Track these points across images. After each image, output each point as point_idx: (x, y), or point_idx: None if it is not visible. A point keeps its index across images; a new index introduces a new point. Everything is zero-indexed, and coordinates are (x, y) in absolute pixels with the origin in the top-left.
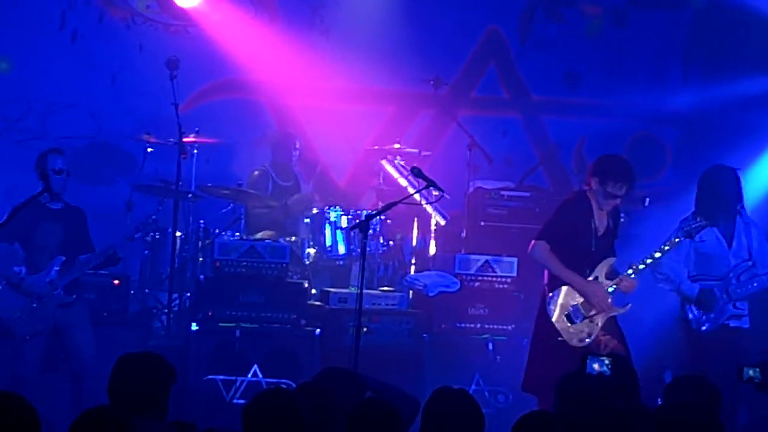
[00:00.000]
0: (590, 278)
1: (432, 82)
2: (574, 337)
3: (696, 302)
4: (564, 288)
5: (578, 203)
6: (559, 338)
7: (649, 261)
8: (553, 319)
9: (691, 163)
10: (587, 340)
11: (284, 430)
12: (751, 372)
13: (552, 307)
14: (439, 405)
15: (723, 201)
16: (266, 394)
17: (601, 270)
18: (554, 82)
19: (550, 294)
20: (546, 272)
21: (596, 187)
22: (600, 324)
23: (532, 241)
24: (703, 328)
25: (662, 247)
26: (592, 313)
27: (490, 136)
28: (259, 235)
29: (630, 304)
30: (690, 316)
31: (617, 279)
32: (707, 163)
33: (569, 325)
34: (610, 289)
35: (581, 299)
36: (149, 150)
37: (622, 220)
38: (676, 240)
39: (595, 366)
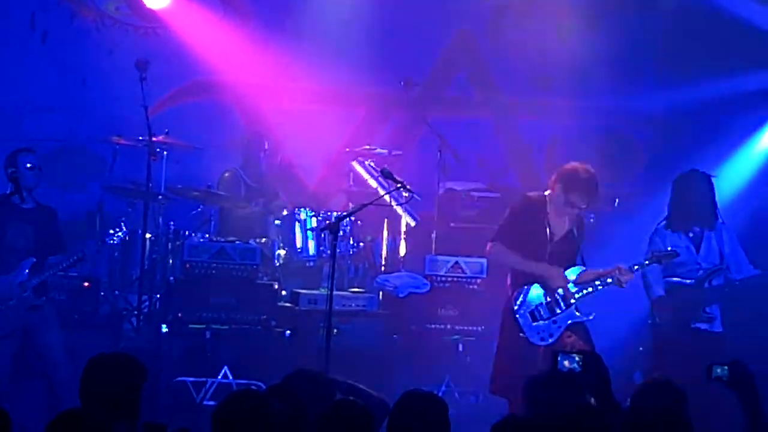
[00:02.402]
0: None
1: (403, 84)
2: (536, 335)
3: (666, 302)
4: (532, 286)
5: (530, 205)
6: (521, 334)
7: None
8: (517, 316)
9: (663, 164)
10: (549, 339)
11: None
12: (719, 370)
13: (516, 304)
14: (406, 409)
15: (696, 208)
16: (236, 395)
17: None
18: (525, 82)
19: (515, 293)
20: (510, 272)
21: (558, 193)
22: (563, 326)
23: (488, 244)
24: (672, 333)
25: (632, 266)
26: (558, 313)
27: (462, 137)
28: (231, 238)
29: (594, 314)
30: (658, 320)
31: (612, 269)
32: (679, 164)
33: (532, 322)
34: (588, 290)
35: (548, 299)
36: (117, 149)
37: (592, 220)
38: (646, 263)
39: (566, 363)
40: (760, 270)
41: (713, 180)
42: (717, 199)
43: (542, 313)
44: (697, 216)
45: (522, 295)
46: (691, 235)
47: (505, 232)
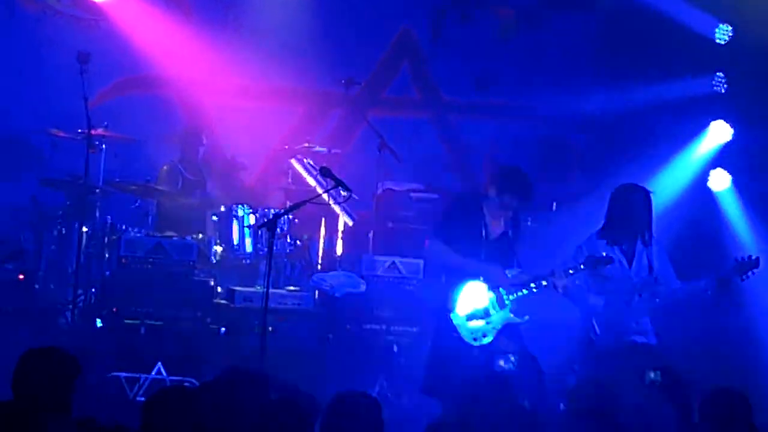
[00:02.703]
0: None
1: (343, 82)
2: (470, 335)
3: (600, 316)
4: (466, 285)
5: (465, 204)
6: (454, 334)
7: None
8: (451, 315)
9: (600, 166)
10: (484, 339)
11: (183, 428)
12: (652, 375)
13: (452, 303)
14: (339, 409)
15: (632, 223)
16: (166, 391)
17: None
18: (466, 83)
19: (449, 292)
20: (445, 271)
21: (492, 195)
22: (498, 327)
23: (426, 241)
24: (611, 346)
25: (567, 270)
26: (492, 313)
27: (401, 137)
28: (168, 234)
29: (528, 316)
30: (593, 336)
31: (548, 273)
32: (616, 167)
33: (467, 322)
34: (523, 292)
35: (483, 299)
36: (55, 141)
37: (529, 222)
38: (582, 266)
39: (501, 362)
40: (685, 282)
41: (651, 195)
42: (653, 212)
43: (477, 313)
44: (632, 231)
45: (456, 294)
46: (624, 248)
47: (442, 230)
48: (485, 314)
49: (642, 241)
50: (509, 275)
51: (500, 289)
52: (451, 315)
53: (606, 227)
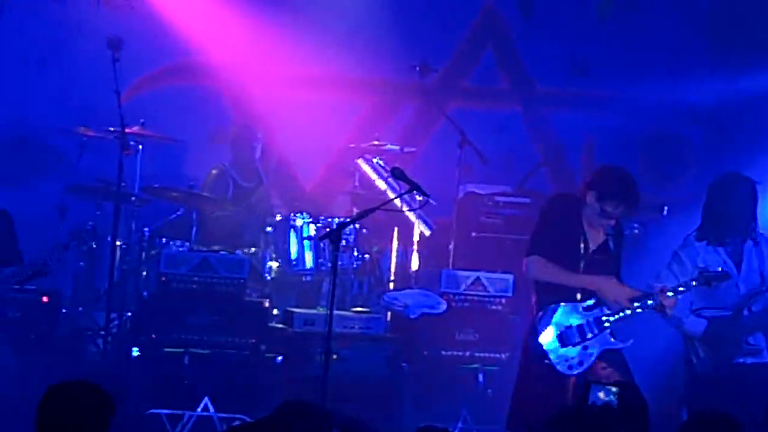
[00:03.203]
0: (586, 303)
1: (418, 69)
2: (563, 362)
3: (703, 341)
4: (560, 306)
5: (565, 208)
6: (546, 361)
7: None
8: (541, 339)
9: (718, 164)
10: (577, 369)
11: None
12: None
13: (542, 326)
14: None
15: (734, 218)
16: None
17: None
18: (561, 70)
19: (541, 312)
20: (535, 291)
21: (591, 202)
22: (595, 354)
23: (524, 260)
24: (713, 372)
25: (677, 288)
26: (589, 337)
27: (486, 133)
28: (214, 248)
29: (632, 340)
30: (695, 360)
31: (655, 291)
32: (736, 165)
33: (559, 346)
34: (626, 312)
35: (577, 320)
36: (83, 142)
37: (636, 231)
38: (694, 283)
39: (600, 395)
40: None
41: (757, 187)
42: (760, 209)
43: (571, 337)
44: (737, 228)
45: (548, 316)
46: (729, 249)
47: (542, 242)
48: (581, 338)
49: (752, 241)
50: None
51: (599, 308)
52: (541, 339)
53: (704, 225)
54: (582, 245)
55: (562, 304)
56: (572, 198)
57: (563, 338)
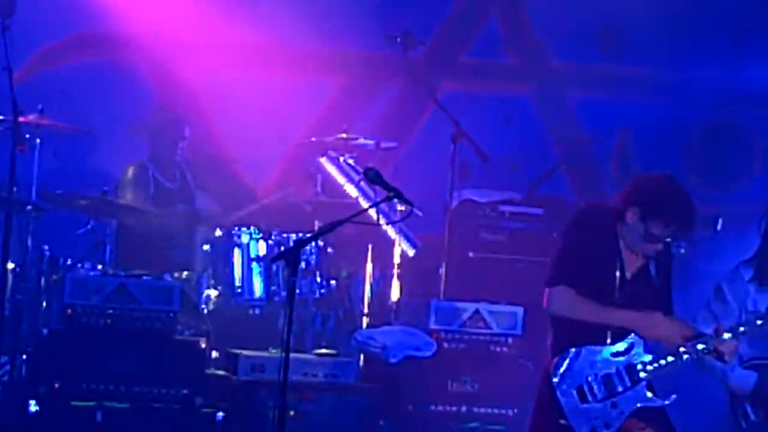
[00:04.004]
0: (616, 346)
1: (399, 41)
2: (585, 423)
3: (753, 398)
4: (583, 350)
5: (594, 222)
6: (561, 421)
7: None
8: (558, 394)
9: None
10: (605, 431)
11: None
12: None
13: (558, 375)
14: None
15: None
16: None
17: (639, 339)
18: (585, 42)
19: (557, 358)
20: (552, 330)
21: (633, 221)
22: (626, 413)
23: (546, 290)
24: None
25: (737, 329)
26: (620, 391)
27: (487, 123)
28: (135, 271)
29: (675, 395)
30: (744, 424)
31: (713, 333)
32: None
33: (580, 403)
34: (669, 360)
35: (605, 368)
36: None
37: (683, 250)
38: (759, 323)
39: None
40: None
41: None
42: None
43: (595, 390)
44: None
45: (566, 362)
46: None
47: (568, 268)
48: (609, 392)
49: None
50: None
51: (633, 354)
52: (558, 392)
53: (761, 261)
54: (618, 272)
55: (585, 347)
56: (604, 210)
57: (585, 392)
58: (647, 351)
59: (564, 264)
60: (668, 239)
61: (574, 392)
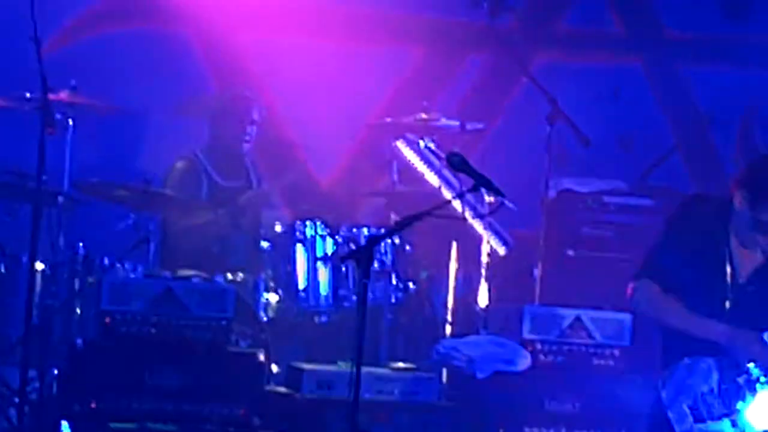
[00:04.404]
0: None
1: (486, 6)
2: None
3: None
4: (696, 361)
5: (701, 217)
6: None
7: None
8: (670, 414)
9: None
10: None
11: None
12: None
13: (669, 391)
14: None
15: None
16: None
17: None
18: (704, 8)
19: (666, 373)
20: (662, 338)
21: (741, 208)
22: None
23: (630, 284)
24: None
25: None
26: (740, 408)
27: (589, 100)
28: (183, 273)
29: None
30: None
31: None
32: None
33: (693, 423)
34: None
35: (720, 383)
36: None
37: None
38: None
39: None
40: None
41: None
42: None
43: (712, 407)
44: None
45: (678, 376)
46: None
47: (660, 263)
48: (728, 409)
49: None
50: None
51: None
52: (668, 411)
53: None
54: (728, 271)
55: (699, 357)
56: (716, 201)
57: (700, 410)
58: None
59: (655, 258)
60: None
61: (687, 410)
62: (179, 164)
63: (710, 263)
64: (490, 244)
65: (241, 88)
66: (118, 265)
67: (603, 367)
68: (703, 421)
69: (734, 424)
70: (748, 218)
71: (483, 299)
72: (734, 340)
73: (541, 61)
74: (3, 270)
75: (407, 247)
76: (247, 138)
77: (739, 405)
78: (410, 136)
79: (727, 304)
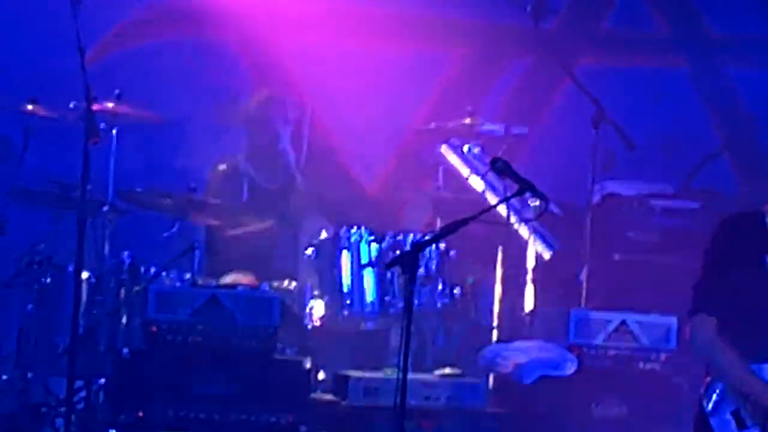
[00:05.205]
0: None
1: (530, 9)
2: None
3: None
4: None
5: (741, 235)
6: None
7: None
8: (712, 423)
9: None
10: None
11: None
12: None
13: (712, 398)
14: None
15: None
16: None
17: None
18: (751, 8)
19: (710, 379)
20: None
21: None
22: None
23: (688, 322)
24: None
25: None
26: None
27: (635, 103)
28: (228, 279)
29: None
30: None
31: None
32: None
33: (737, 430)
34: None
35: None
36: (29, 125)
37: None
38: None
39: None
40: None
41: None
42: None
43: (755, 415)
44: None
45: (720, 384)
46: None
47: (712, 294)
48: None
49: None
50: None
51: None
52: (711, 418)
53: None
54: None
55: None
56: (747, 216)
57: (741, 417)
58: None
59: (707, 287)
60: None
61: (731, 417)
62: (221, 167)
63: (756, 279)
64: (535, 248)
65: (272, 90)
66: (164, 274)
67: (650, 372)
68: (746, 428)
69: None
70: None
71: (529, 304)
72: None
73: (584, 63)
74: (49, 280)
75: (452, 253)
76: (282, 138)
77: None
78: (455, 140)
79: None
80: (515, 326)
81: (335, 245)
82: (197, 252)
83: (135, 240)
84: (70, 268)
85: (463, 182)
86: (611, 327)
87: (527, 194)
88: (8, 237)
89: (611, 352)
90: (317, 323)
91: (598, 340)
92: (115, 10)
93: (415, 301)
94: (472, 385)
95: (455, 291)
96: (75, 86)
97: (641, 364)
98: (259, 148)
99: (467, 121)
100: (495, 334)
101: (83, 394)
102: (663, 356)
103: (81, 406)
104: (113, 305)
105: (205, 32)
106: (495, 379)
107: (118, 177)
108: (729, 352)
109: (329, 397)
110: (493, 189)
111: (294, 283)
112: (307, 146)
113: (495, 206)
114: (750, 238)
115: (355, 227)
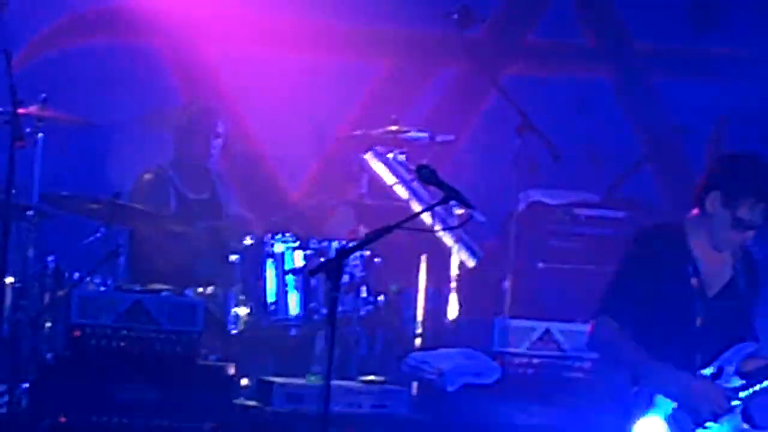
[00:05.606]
0: (704, 371)
1: (456, 17)
2: None
3: None
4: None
5: (658, 244)
6: None
7: None
8: (637, 426)
9: None
10: None
11: None
12: None
13: (638, 405)
14: None
15: None
16: None
17: (729, 362)
18: (673, 20)
19: (636, 388)
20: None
21: (715, 210)
22: None
23: (590, 322)
24: None
25: None
26: (707, 426)
27: (559, 113)
28: (153, 286)
29: None
30: None
31: None
32: None
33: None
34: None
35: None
36: None
37: None
38: None
39: None
40: None
41: None
42: None
43: (682, 421)
44: None
45: (648, 390)
46: None
47: (618, 299)
48: (696, 422)
49: None
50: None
51: (723, 377)
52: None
53: None
54: (696, 288)
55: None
56: (668, 226)
57: (670, 424)
58: (740, 375)
59: (613, 295)
60: (759, 224)
61: (676, 415)
62: (146, 176)
63: (676, 284)
64: (459, 256)
65: (205, 101)
66: (88, 279)
67: (573, 380)
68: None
69: None
70: (724, 218)
71: (453, 311)
72: (693, 394)
73: (510, 72)
74: None
75: (377, 260)
76: (212, 151)
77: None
78: (379, 148)
79: (698, 322)
80: (439, 334)
81: (260, 251)
82: (122, 257)
83: (59, 245)
84: None
85: (388, 190)
86: (535, 335)
87: (452, 202)
88: None
89: (535, 360)
90: (241, 329)
91: (522, 348)
92: (42, 14)
93: (340, 308)
94: (396, 392)
95: (379, 298)
96: (0, 90)
97: (565, 373)
98: (188, 158)
99: (392, 128)
100: (419, 341)
101: (6, 398)
102: (587, 364)
103: (4, 410)
104: (37, 310)
105: (133, 39)
106: (419, 386)
107: (43, 181)
108: (627, 342)
109: (253, 403)
110: (418, 197)
111: (218, 290)
112: (234, 157)
113: (420, 214)
114: (669, 251)
115: (280, 234)
